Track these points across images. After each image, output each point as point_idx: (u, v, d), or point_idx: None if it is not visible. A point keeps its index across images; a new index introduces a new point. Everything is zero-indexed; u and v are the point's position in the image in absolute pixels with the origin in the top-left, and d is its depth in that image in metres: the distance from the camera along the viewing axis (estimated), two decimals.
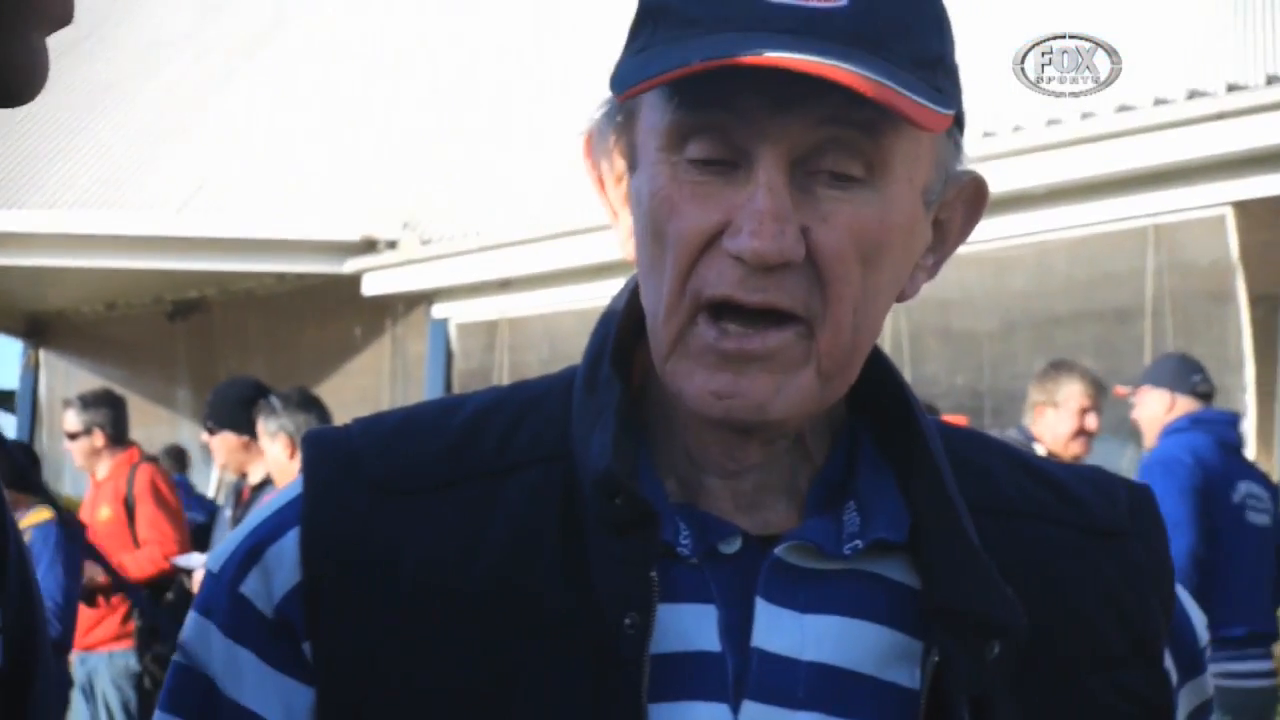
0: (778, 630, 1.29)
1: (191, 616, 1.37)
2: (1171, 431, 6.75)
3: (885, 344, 1.82)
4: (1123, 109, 9.76)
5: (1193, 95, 9.63)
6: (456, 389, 12.99)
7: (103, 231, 13.14)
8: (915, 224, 1.31)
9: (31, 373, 16.12)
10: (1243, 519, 6.56)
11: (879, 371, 1.39)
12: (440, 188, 13.63)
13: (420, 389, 13.26)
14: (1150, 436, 6.95)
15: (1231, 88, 9.63)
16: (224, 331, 15.06)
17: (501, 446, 1.36)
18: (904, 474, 1.35)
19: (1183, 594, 1.44)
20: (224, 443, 7.11)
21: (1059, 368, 7.16)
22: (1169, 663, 1.40)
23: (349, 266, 13.19)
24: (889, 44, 1.24)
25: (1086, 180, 9.82)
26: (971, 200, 1.38)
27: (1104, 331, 10.47)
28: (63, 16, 1.03)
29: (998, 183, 1.68)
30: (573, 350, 1.40)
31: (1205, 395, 6.90)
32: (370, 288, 13.19)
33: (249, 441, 6.98)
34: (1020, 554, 1.36)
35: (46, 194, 13.90)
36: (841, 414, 1.38)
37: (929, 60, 1.27)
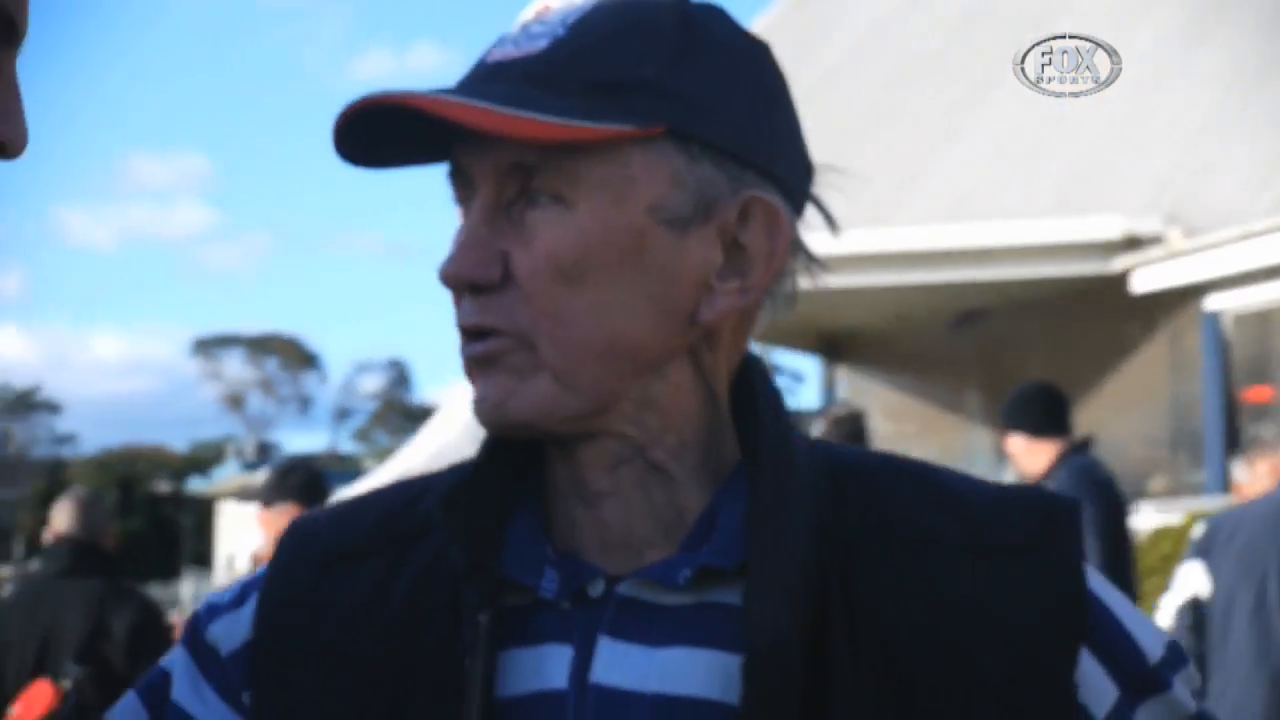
0: (619, 665, 1.34)
1: (177, 647, 1.54)
2: None
3: None
4: None
5: None
6: (1235, 382, 12.76)
7: (880, 250, 13.63)
8: (644, 241, 1.33)
9: (829, 388, 16.90)
10: None
11: (751, 401, 1.40)
12: (1201, 180, 13.36)
13: (1197, 384, 13.06)
14: None
15: None
16: (1007, 337, 15.25)
17: (423, 512, 1.44)
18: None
19: (1124, 611, 1.40)
20: (1012, 444, 6.87)
21: None
22: (1105, 681, 1.37)
23: (1116, 265, 13.14)
24: (559, 76, 1.31)
25: None
26: (767, 223, 1.37)
27: None
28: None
29: None
30: None
31: None
32: (1139, 285, 13.08)
33: (1036, 442, 6.71)
34: (901, 579, 1.35)
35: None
36: (731, 451, 1.40)
37: (607, 84, 1.32)
